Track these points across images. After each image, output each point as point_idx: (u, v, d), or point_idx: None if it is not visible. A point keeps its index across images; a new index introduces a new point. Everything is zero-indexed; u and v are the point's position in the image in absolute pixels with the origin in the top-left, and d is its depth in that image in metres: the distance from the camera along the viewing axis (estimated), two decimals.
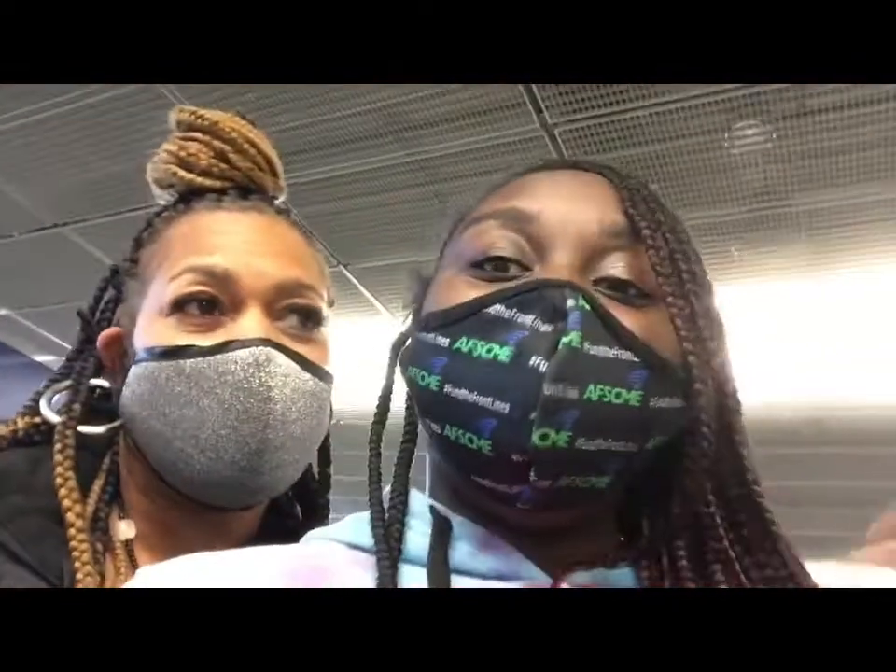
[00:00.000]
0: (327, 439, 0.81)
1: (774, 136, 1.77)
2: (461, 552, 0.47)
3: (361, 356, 2.96)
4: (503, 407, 0.43)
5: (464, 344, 0.47)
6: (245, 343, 0.66)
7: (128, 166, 2.09)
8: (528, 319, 0.45)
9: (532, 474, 0.43)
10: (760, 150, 1.81)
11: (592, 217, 0.49)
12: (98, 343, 0.74)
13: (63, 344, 3.09)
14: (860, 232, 2.07)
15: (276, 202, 0.79)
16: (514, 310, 0.46)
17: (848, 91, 1.63)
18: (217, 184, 0.75)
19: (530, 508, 0.45)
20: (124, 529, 0.70)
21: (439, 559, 0.46)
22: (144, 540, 0.71)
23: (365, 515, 0.51)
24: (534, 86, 1.70)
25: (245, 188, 0.76)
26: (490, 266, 0.49)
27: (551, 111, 1.77)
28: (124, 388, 0.70)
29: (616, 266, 0.48)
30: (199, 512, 0.70)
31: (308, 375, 0.69)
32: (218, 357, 0.65)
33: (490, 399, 0.44)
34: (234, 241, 0.70)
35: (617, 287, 0.48)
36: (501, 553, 0.47)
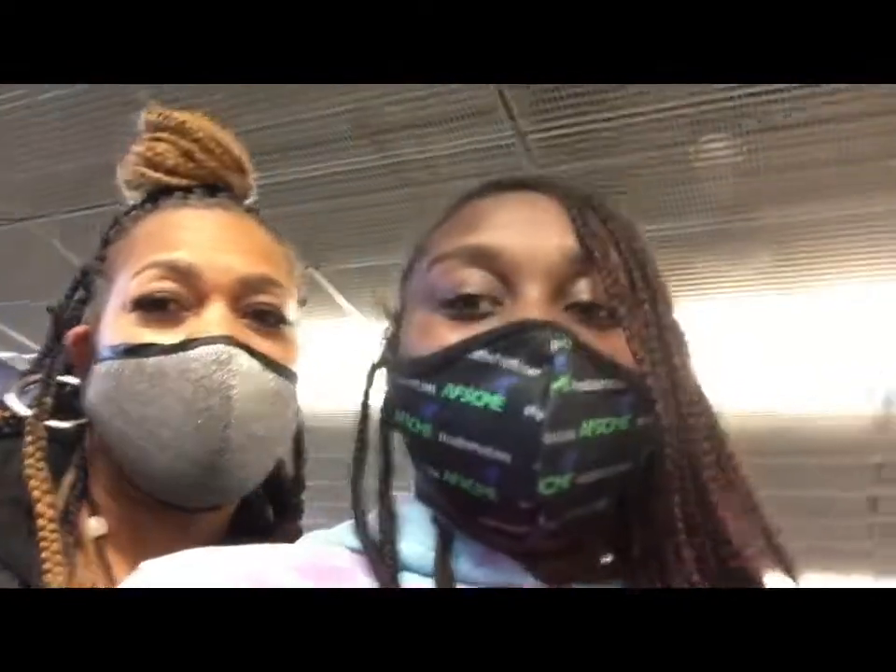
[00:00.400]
0: (300, 438, 0.81)
1: (743, 149, 1.80)
2: (465, 563, 0.48)
3: (332, 358, 2.96)
4: (505, 457, 0.44)
5: (451, 392, 0.47)
6: (206, 341, 0.65)
7: (95, 161, 2.06)
8: (514, 364, 0.46)
9: (541, 519, 0.45)
10: (729, 163, 1.84)
11: (553, 245, 0.50)
12: (66, 341, 0.74)
13: (27, 342, 3.03)
14: (827, 247, 2.11)
15: (245, 201, 0.79)
16: (498, 354, 0.46)
17: (815, 108, 1.66)
18: (184, 182, 0.75)
19: (534, 544, 0.46)
20: (95, 527, 0.69)
21: (444, 569, 0.47)
22: (113, 539, 0.70)
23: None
24: (507, 93, 1.71)
25: (212, 186, 0.76)
26: (461, 304, 0.50)
27: (523, 119, 1.78)
28: (89, 386, 0.70)
29: (583, 291, 0.49)
30: (166, 512, 0.70)
31: (271, 374, 0.69)
32: (180, 355, 0.65)
33: (490, 449, 0.45)
34: (199, 237, 0.70)
35: (587, 311, 0.49)
36: (502, 566, 0.48)
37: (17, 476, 0.66)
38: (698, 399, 0.50)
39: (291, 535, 0.77)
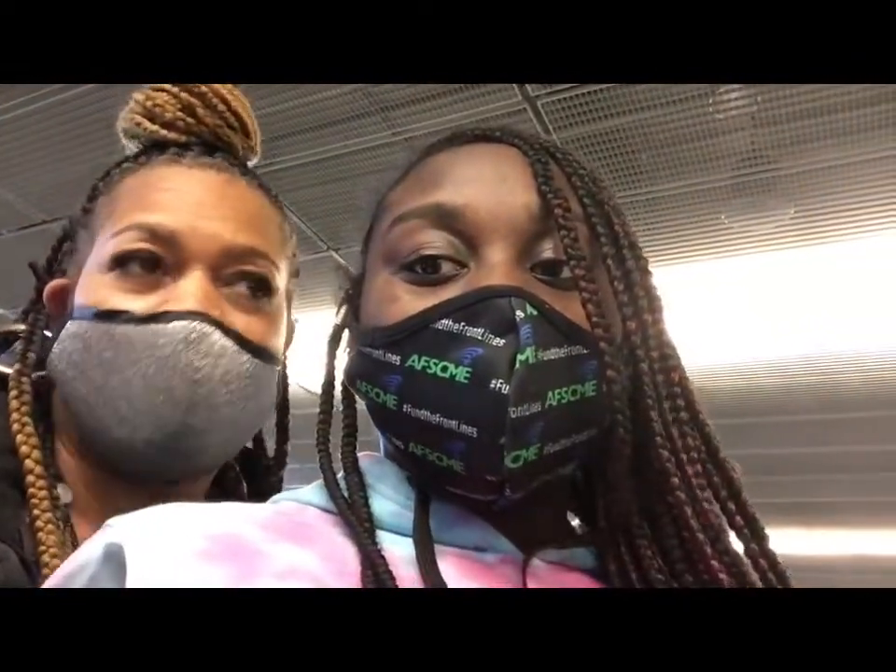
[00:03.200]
0: (284, 417, 0.79)
1: (758, 99, 1.76)
2: (440, 523, 0.48)
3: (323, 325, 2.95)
4: (470, 431, 0.43)
5: (416, 362, 0.46)
6: (178, 316, 0.62)
7: (113, 160, 2.08)
8: (478, 332, 0.44)
9: (507, 490, 0.44)
10: (746, 114, 1.81)
11: (518, 203, 0.48)
12: (44, 295, 0.71)
13: None
14: (846, 194, 2.07)
15: (248, 163, 0.76)
16: (462, 323, 0.45)
17: None
18: (182, 138, 0.71)
19: (502, 508, 0.46)
20: (61, 493, 0.65)
21: (423, 527, 0.47)
22: (79, 507, 0.67)
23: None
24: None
25: (210, 144, 0.73)
26: (422, 267, 0.48)
27: (531, 83, 1.76)
28: (56, 343, 0.67)
29: (548, 249, 0.48)
30: (134, 486, 0.67)
31: (246, 356, 0.65)
32: (150, 327, 0.62)
33: (455, 423, 0.44)
34: (185, 199, 0.67)
35: (551, 270, 0.48)
36: (476, 526, 0.48)
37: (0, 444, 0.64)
38: (664, 358, 0.48)
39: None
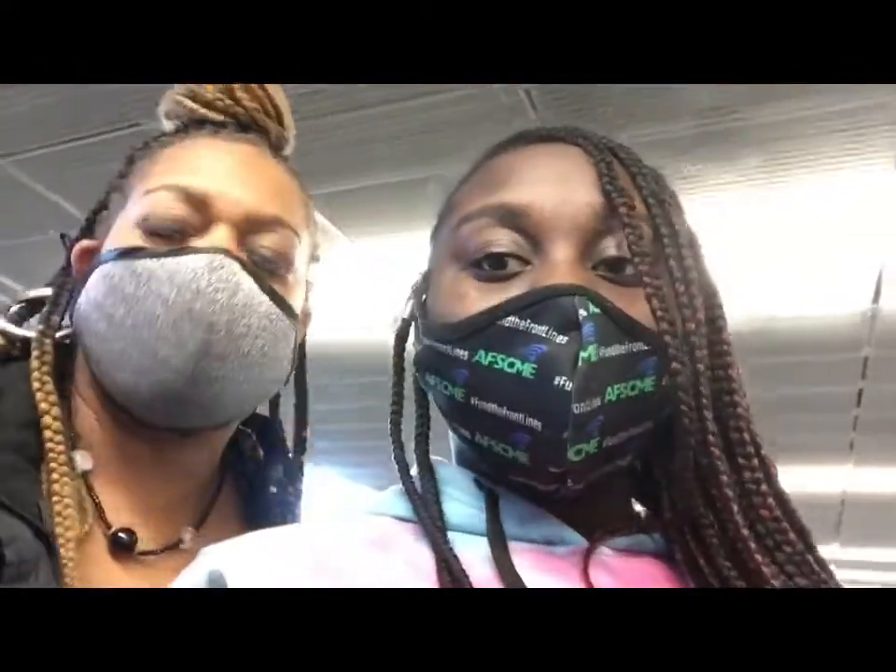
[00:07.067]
0: (304, 399, 0.81)
1: None
2: (511, 521, 0.50)
3: (326, 285, 2.94)
4: (536, 424, 0.46)
5: (483, 358, 0.48)
6: (201, 249, 0.65)
7: (66, 95, 2.00)
8: (543, 330, 0.46)
9: (569, 481, 0.47)
10: None
11: (582, 202, 0.50)
12: (72, 256, 0.73)
13: (6, 281, 3.00)
14: (810, 144, 2.09)
15: (280, 151, 0.78)
16: (528, 321, 0.47)
17: None
18: (220, 117, 0.75)
19: (564, 497, 0.49)
20: (80, 461, 0.66)
21: (496, 526, 0.49)
22: (102, 473, 0.68)
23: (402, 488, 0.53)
24: None
25: (245, 126, 0.76)
26: (489, 264, 0.50)
27: None
28: (82, 294, 0.69)
29: (611, 247, 0.49)
30: (154, 442, 0.69)
31: (266, 298, 0.67)
32: (171, 259, 0.64)
33: (521, 416, 0.46)
34: (217, 167, 0.70)
35: (615, 267, 0.50)
36: (545, 521, 0.50)
37: (16, 417, 0.64)
38: (722, 354, 0.50)
39: (286, 472, 0.79)
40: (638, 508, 0.57)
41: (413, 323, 0.58)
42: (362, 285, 2.88)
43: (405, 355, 0.58)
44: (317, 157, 2.27)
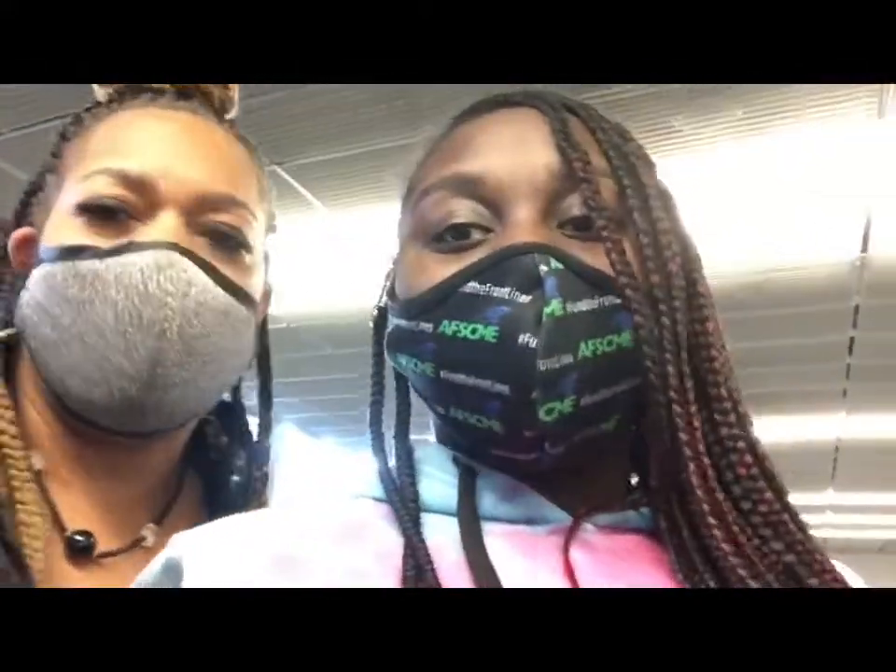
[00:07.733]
0: (266, 368, 0.76)
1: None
2: (488, 499, 0.48)
3: (304, 256, 2.92)
4: (503, 388, 0.44)
5: (447, 328, 0.46)
6: (147, 246, 0.59)
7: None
8: (504, 292, 0.45)
9: (546, 445, 0.45)
10: None
11: (539, 163, 0.48)
12: (9, 246, 0.67)
13: None
14: (792, 92, 2.06)
15: (225, 115, 0.71)
16: (488, 284, 0.45)
17: None
18: (155, 84, 0.68)
19: (548, 466, 0.46)
20: (32, 461, 0.62)
21: (468, 507, 0.47)
22: (54, 474, 0.63)
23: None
24: None
25: (186, 92, 0.69)
26: (451, 236, 0.49)
27: None
28: (23, 293, 0.64)
29: (575, 205, 0.48)
30: (107, 442, 0.64)
31: (220, 291, 0.62)
32: (116, 258, 0.59)
33: (489, 382, 0.44)
34: (157, 143, 0.63)
35: (582, 226, 0.48)
36: (526, 498, 0.48)
37: None
38: (698, 308, 0.48)
39: (251, 460, 0.75)
40: (634, 481, 0.55)
41: (387, 311, 0.56)
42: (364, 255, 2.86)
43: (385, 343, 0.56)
44: (294, 128, 2.24)
